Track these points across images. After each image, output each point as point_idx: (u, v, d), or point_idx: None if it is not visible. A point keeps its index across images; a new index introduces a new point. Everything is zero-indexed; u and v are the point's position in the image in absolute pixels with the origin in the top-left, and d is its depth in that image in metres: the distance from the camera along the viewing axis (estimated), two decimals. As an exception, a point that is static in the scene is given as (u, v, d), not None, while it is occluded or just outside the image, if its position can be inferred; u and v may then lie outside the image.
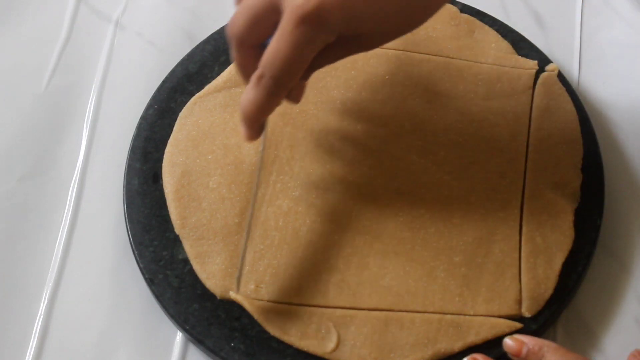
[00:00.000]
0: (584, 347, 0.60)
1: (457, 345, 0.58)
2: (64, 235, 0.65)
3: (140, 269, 0.61)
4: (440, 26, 0.69)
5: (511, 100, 0.66)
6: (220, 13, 0.74)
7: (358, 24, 0.51)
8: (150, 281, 0.61)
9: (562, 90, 0.67)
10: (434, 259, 0.60)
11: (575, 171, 0.64)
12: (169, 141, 0.65)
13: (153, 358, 0.61)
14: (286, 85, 0.52)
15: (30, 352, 0.61)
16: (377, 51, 0.67)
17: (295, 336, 0.58)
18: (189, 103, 0.67)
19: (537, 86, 0.67)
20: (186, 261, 0.61)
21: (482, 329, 0.58)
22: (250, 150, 0.64)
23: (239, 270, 0.60)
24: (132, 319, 0.62)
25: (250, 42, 0.53)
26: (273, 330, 0.58)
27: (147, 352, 0.61)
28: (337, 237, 0.61)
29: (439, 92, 0.66)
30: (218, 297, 0.60)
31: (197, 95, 0.67)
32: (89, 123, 0.70)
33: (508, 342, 0.57)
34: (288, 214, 0.62)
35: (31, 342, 0.61)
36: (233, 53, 0.55)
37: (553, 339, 0.60)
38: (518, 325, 0.58)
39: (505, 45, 0.69)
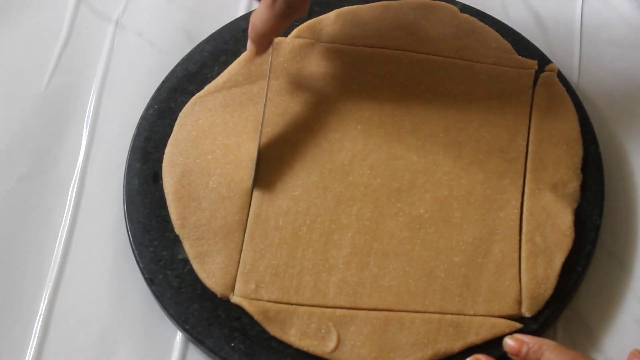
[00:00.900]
0: (584, 346, 0.60)
1: (457, 345, 0.58)
2: (64, 235, 0.65)
3: (140, 269, 0.61)
4: (440, 26, 0.69)
5: (511, 100, 0.66)
6: (220, 13, 0.73)
7: None
8: (150, 281, 0.61)
9: (562, 90, 0.67)
10: (434, 259, 0.60)
11: (575, 171, 0.64)
12: (169, 141, 0.65)
13: (153, 358, 0.61)
14: (297, 8, 0.60)
15: (30, 352, 0.61)
16: (377, 51, 0.67)
17: (295, 336, 0.58)
18: (189, 103, 0.67)
19: (537, 86, 0.67)
20: (186, 261, 0.61)
21: (482, 329, 0.58)
22: (250, 149, 0.64)
23: (237, 270, 0.60)
24: (132, 319, 0.62)
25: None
26: (273, 330, 0.58)
27: (147, 352, 0.61)
28: (337, 237, 0.61)
29: (439, 92, 0.66)
30: (218, 296, 0.60)
31: (197, 95, 0.67)
32: (89, 123, 0.70)
33: (508, 341, 0.57)
34: (288, 214, 0.62)
35: (31, 342, 0.61)
36: None
37: (553, 338, 0.60)
38: (518, 325, 0.58)
39: (505, 45, 0.69)
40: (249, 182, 0.63)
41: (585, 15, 0.74)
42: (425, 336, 0.58)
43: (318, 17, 0.69)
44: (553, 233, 0.61)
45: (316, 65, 0.67)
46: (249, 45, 0.64)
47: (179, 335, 0.61)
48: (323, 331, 0.58)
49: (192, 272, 0.61)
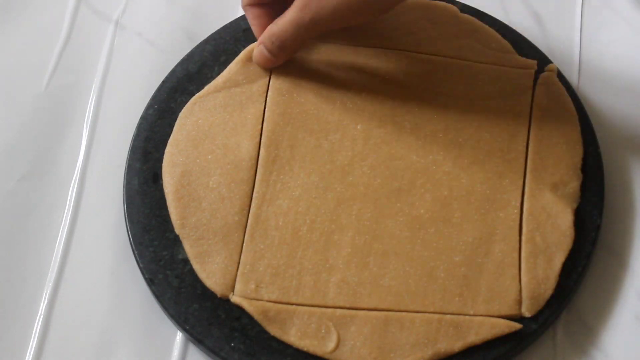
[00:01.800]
0: (584, 346, 0.60)
1: (457, 345, 0.58)
2: (64, 235, 0.65)
3: (140, 269, 0.61)
4: (440, 26, 0.69)
5: (511, 100, 0.66)
6: (220, 13, 0.74)
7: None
8: (150, 281, 0.61)
9: (562, 90, 0.67)
10: (434, 259, 0.60)
11: (575, 171, 0.64)
12: (169, 141, 0.65)
13: (153, 358, 0.61)
14: (290, 52, 0.65)
15: (30, 352, 0.61)
16: (377, 51, 0.67)
17: (295, 336, 0.58)
18: (188, 103, 0.67)
19: (537, 86, 0.67)
20: (186, 261, 0.61)
21: (482, 329, 0.58)
22: (250, 149, 0.64)
23: (237, 270, 0.60)
24: (132, 319, 0.62)
25: (257, 1, 0.65)
26: (273, 330, 0.58)
27: (147, 352, 0.61)
28: (337, 237, 0.61)
29: (439, 92, 0.66)
30: (218, 296, 0.60)
31: (197, 95, 0.67)
32: (89, 123, 0.70)
33: None
34: (288, 214, 0.62)
35: (31, 342, 0.61)
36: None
37: (553, 338, 0.61)
38: (518, 325, 0.58)
39: (505, 45, 0.69)
40: (249, 182, 0.63)
41: (585, 15, 0.74)
42: (425, 336, 0.58)
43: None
44: (553, 233, 0.61)
45: (316, 65, 0.67)
46: (265, 52, 0.65)
47: (179, 335, 0.61)
48: (323, 331, 0.58)
49: (192, 272, 0.61)
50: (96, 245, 0.64)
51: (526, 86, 0.67)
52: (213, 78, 0.68)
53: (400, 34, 0.68)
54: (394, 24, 0.68)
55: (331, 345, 0.58)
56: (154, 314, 0.62)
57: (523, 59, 0.68)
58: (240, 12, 0.73)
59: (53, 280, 0.63)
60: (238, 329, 0.59)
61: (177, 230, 0.62)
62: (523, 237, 0.61)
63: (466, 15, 0.70)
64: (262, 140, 0.64)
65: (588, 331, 0.61)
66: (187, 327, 0.59)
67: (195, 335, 0.59)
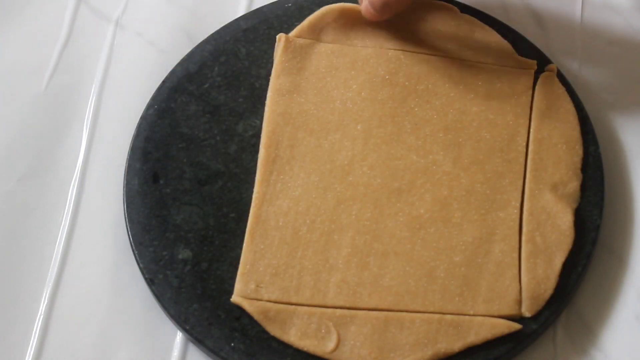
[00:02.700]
0: (584, 346, 0.60)
1: (457, 345, 0.58)
2: (64, 235, 0.65)
3: (140, 269, 0.61)
4: (440, 26, 0.69)
5: (511, 100, 0.66)
6: (220, 13, 0.73)
7: None
8: (150, 281, 0.61)
9: (562, 90, 0.67)
10: (434, 259, 0.60)
11: (575, 171, 0.64)
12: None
13: (153, 358, 0.61)
14: (393, 10, 0.66)
15: (30, 352, 0.61)
16: (377, 51, 0.67)
17: (295, 336, 0.58)
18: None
19: (537, 86, 0.67)
20: (186, 261, 0.61)
21: (482, 329, 0.58)
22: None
23: (237, 270, 0.60)
24: (132, 319, 0.62)
25: None
26: (273, 330, 0.58)
27: (147, 352, 0.61)
28: (337, 237, 0.61)
29: (439, 92, 0.66)
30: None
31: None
32: (89, 123, 0.70)
33: None
34: (288, 214, 0.62)
35: (31, 342, 0.61)
36: None
37: (553, 338, 0.61)
38: (518, 325, 0.58)
39: (505, 45, 0.69)
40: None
41: (585, 15, 0.74)
42: (425, 336, 0.58)
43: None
44: (553, 233, 0.61)
45: (316, 65, 0.67)
46: (370, 7, 0.66)
47: (179, 335, 0.61)
48: (323, 331, 0.58)
49: (192, 272, 0.61)
50: (96, 245, 0.64)
51: (526, 86, 0.67)
52: (213, 78, 0.68)
53: (400, 34, 0.68)
54: (394, 24, 0.68)
55: (331, 345, 0.58)
56: (154, 314, 0.61)
57: (523, 59, 0.68)
58: (241, 12, 0.73)
59: (53, 280, 0.63)
60: (238, 329, 0.59)
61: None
62: (523, 237, 0.61)
63: (466, 15, 0.70)
64: (262, 140, 0.64)
65: (588, 331, 0.61)
66: (187, 327, 0.59)
67: (195, 335, 0.59)
